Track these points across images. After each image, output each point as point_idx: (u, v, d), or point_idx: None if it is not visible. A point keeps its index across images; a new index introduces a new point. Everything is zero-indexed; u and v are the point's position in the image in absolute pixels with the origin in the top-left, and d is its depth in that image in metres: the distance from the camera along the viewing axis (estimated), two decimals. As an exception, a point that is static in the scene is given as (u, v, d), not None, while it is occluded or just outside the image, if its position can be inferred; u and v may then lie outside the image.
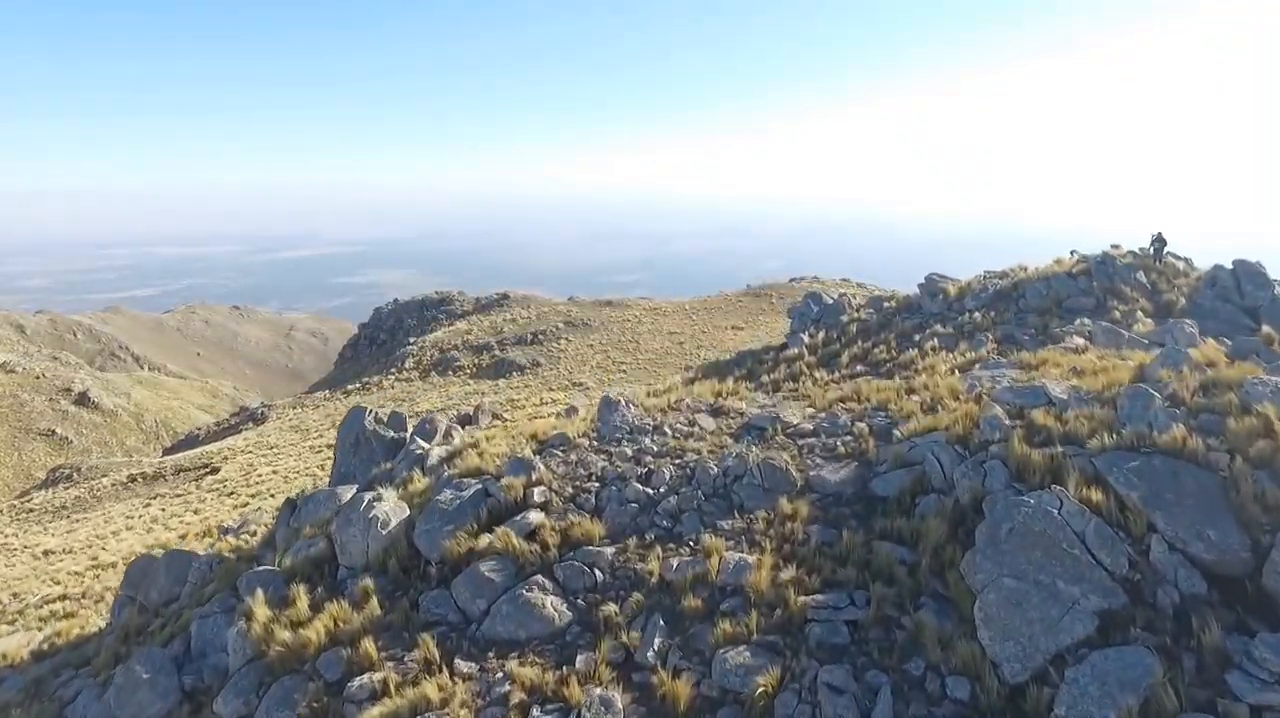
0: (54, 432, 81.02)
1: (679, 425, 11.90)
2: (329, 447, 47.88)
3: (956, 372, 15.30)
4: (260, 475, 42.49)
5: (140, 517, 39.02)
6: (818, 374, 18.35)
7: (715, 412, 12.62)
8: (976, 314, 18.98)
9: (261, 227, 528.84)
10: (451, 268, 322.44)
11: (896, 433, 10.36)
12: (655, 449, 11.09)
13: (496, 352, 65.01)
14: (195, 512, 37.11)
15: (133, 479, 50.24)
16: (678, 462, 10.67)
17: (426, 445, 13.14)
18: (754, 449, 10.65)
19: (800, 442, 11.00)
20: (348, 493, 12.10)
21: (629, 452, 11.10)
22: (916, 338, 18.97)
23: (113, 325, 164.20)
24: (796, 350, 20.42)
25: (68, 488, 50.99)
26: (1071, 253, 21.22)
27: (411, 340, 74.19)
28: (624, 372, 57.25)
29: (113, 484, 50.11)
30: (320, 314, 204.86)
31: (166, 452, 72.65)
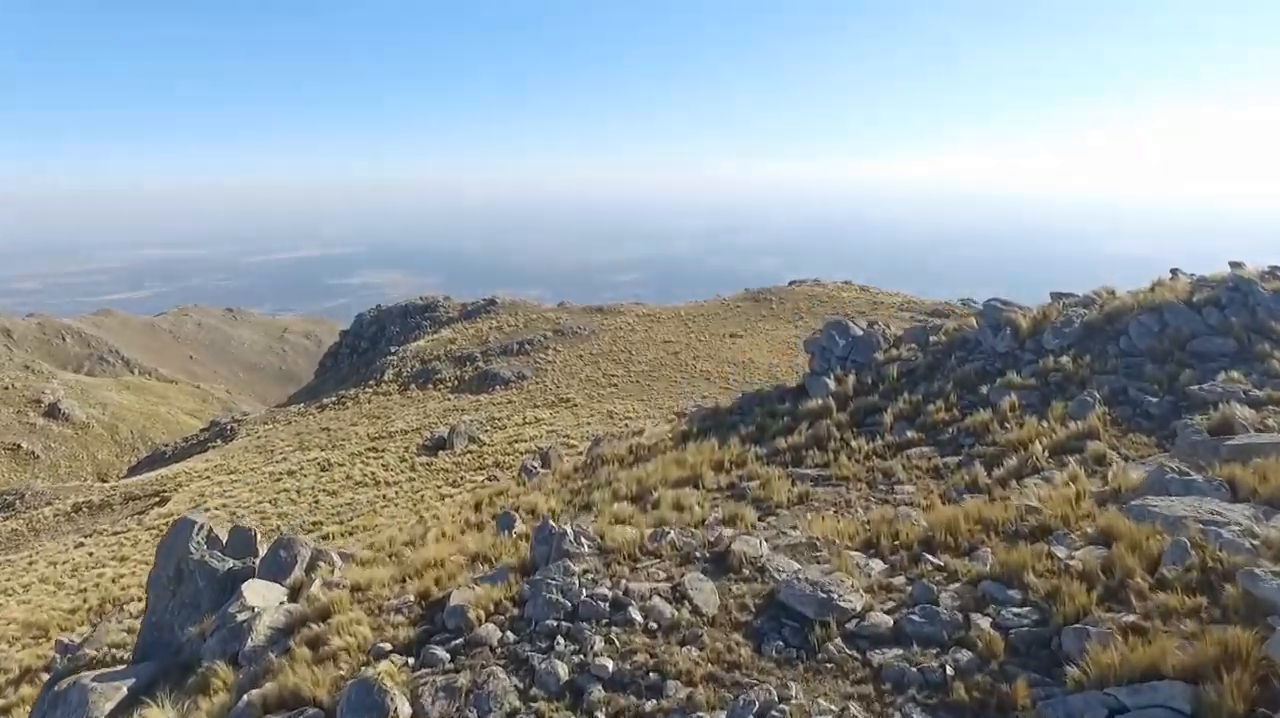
0: (19, 446, 75.76)
1: (656, 602, 6.74)
2: (290, 474, 42.81)
3: (1070, 461, 10.19)
4: (208, 510, 37.26)
5: (65, 562, 33.92)
6: (854, 442, 13.22)
7: (718, 565, 7.45)
8: (1064, 358, 13.82)
9: (259, 227, 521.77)
10: (449, 268, 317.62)
11: (1071, 671, 5.24)
12: (610, 667, 5.94)
13: (480, 363, 59.86)
14: (121, 559, 32.01)
15: (77, 509, 45.07)
16: (650, 706, 5.57)
17: (261, 602, 8.07)
18: (795, 690, 5.52)
19: (875, 656, 5.85)
20: (104, 704, 7.04)
21: (563, 671, 5.96)
22: (984, 390, 13.82)
23: (103, 329, 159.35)
24: (820, 402, 15.28)
25: (7, 518, 45.83)
26: (1173, 272, 16.11)
27: (393, 350, 68.99)
28: (615, 385, 52.20)
29: (55, 515, 44.94)
30: (315, 316, 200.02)
31: (132, 470, 67.48)
